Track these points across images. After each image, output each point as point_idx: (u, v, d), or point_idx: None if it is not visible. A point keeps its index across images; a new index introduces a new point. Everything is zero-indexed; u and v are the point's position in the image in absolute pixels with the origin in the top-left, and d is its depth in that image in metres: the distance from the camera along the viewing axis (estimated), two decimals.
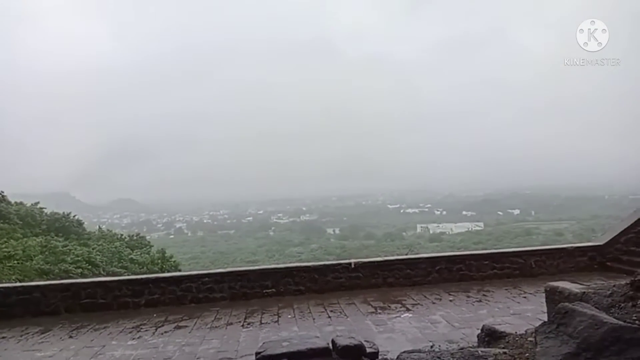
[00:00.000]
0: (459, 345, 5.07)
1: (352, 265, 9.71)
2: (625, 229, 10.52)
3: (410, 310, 8.00)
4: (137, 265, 23.38)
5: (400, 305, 8.29)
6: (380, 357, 4.39)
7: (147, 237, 34.15)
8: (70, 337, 7.47)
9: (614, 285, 3.72)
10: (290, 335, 6.53)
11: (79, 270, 19.35)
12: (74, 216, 28.95)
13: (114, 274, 18.65)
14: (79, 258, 20.57)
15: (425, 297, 8.80)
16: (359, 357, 4.05)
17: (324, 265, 9.92)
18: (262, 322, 7.78)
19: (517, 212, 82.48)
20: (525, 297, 8.49)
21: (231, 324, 7.75)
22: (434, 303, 8.38)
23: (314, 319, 7.80)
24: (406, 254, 11.90)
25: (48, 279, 15.86)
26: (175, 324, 7.85)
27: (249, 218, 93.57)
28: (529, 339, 3.56)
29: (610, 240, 10.50)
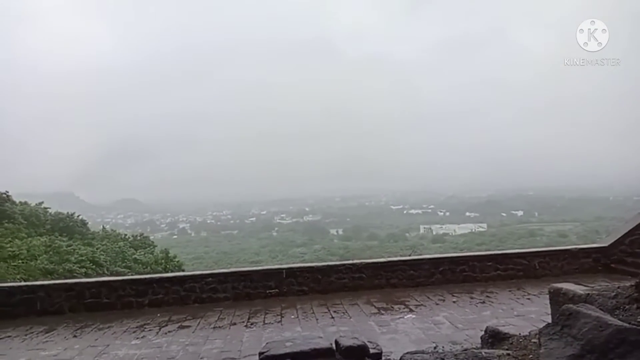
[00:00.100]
0: (462, 347, 5.06)
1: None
2: (629, 231, 10.47)
3: (413, 311, 7.99)
4: (140, 265, 23.45)
5: (403, 306, 8.29)
6: (383, 358, 4.39)
7: (151, 237, 34.25)
8: (75, 336, 7.50)
9: (618, 287, 3.71)
10: (293, 336, 6.53)
11: (83, 270, 19.43)
12: (78, 216, 29.07)
13: (117, 274, 18.72)
14: (83, 258, 20.66)
15: (428, 298, 8.78)
16: (362, 358, 4.04)
17: (327, 265, 9.92)
18: (266, 322, 7.79)
19: (520, 213, 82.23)
20: (529, 299, 8.46)
21: (234, 324, 7.76)
22: (437, 304, 8.37)
23: (317, 319, 7.80)
24: (409, 255, 11.87)
25: (52, 279, 15.94)
26: (179, 324, 7.87)
27: (252, 218, 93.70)
28: (533, 340, 3.55)
29: (615, 241, 10.45)
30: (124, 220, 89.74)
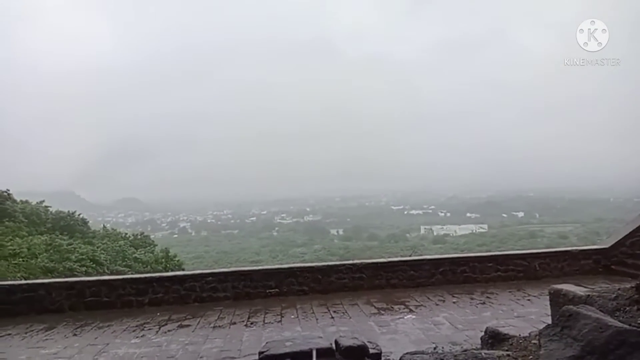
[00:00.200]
0: (462, 347, 5.06)
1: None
2: (630, 232, 10.46)
3: (413, 311, 7.99)
4: (141, 264, 23.44)
5: (403, 307, 8.28)
6: (383, 358, 4.39)
7: (151, 236, 34.25)
8: (75, 334, 7.51)
9: (619, 289, 3.71)
10: (293, 335, 6.54)
11: (84, 269, 19.42)
12: (79, 215, 29.07)
13: (118, 273, 18.73)
14: (84, 256, 20.66)
15: (428, 298, 8.78)
16: (362, 358, 4.05)
17: (328, 265, 9.92)
18: (265, 321, 7.79)
19: (521, 214, 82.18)
20: (529, 300, 8.46)
21: (234, 323, 7.77)
22: (437, 305, 8.37)
23: (317, 319, 7.80)
24: (410, 256, 11.89)
25: (53, 277, 15.95)
26: (179, 323, 7.87)
27: (252, 218, 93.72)
28: (533, 341, 3.55)
29: (615, 243, 10.44)
30: (125, 219, 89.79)
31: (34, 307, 8.80)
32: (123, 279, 9.65)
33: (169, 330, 7.50)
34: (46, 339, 7.31)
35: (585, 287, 4.59)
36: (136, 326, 7.80)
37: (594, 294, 3.89)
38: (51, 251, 20.07)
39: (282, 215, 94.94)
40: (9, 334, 7.62)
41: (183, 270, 21.12)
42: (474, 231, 70.40)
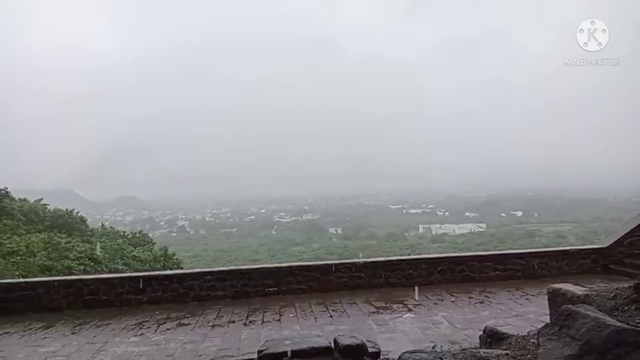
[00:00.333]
0: (461, 346, 5.07)
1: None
2: (628, 232, 10.49)
3: (412, 310, 8.00)
4: (139, 262, 23.46)
5: (402, 306, 8.30)
6: (382, 357, 4.39)
7: (150, 235, 34.28)
8: (73, 333, 7.50)
9: (617, 288, 3.71)
10: (292, 334, 6.55)
11: (82, 267, 19.42)
12: (77, 213, 29.07)
13: (116, 271, 18.73)
14: (82, 255, 20.65)
15: (427, 297, 8.79)
16: (360, 357, 4.04)
17: (326, 264, 9.92)
18: (264, 320, 7.79)
19: (519, 214, 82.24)
20: (527, 299, 8.48)
21: (233, 322, 7.77)
22: (436, 304, 8.38)
23: (315, 318, 7.81)
24: (408, 255, 11.89)
25: (51, 275, 15.93)
26: (178, 322, 7.87)
27: (251, 217, 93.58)
28: (532, 340, 3.56)
29: (614, 243, 10.47)
30: (123, 217, 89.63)
31: (32, 306, 8.79)
32: (122, 277, 9.64)
33: (167, 329, 7.50)
34: (45, 337, 7.31)
35: (583, 286, 4.60)
36: (135, 325, 7.80)
37: (593, 293, 3.90)
38: (49, 249, 20.06)
39: (281, 214, 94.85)
40: (7, 333, 7.61)
41: (181, 268, 21.13)
42: (473, 230, 70.47)
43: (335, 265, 9.84)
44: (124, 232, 31.14)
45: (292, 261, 17.23)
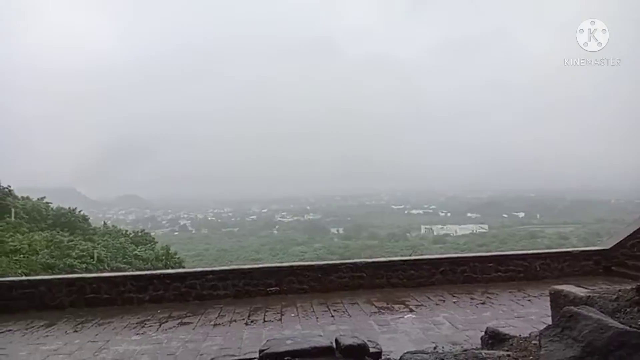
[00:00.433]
0: (462, 347, 5.07)
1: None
2: (631, 234, 10.47)
3: (413, 311, 8.00)
4: (141, 261, 23.53)
5: (403, 306, 8.29)
6: (383, 358, 4.38)
7: (152, 234, 34.39)
8: (75, 331, 7.53)
9: (619, 290, 3.71)
10: (293, 334, 6.55)
11: (84, 265, 19.48)
12: (80, 211, 29.17)
13: (118, 270, 18.78)
14: (84, 253, 20.71)
15: (428, 298, 8.79)
16: (362, 357, 4.04)
17: (328, 264, 9.93)
18: (266, 320, 7.80)
19: (521, 214, 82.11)
20: (529, 300, 8.46)
21: (234, 321, 7.78)
22: (437, 304, 8.37)
23: (317, 318, 7.81)
24: (410, 255, 11.89)
25: (53, 273, 15.99)
26: (179, 320, 7.89)
27: (252, 216, 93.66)
28: (533, 342, 3.55)
29: (616, 244, 10.45)
30: (125, 216, 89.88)
31: (34, 304, 8.82)
32: (124, 276, 9.67)
33: (169, 328, 7.51)
34: (47, 336, 7.33)
35: (585, 288, 4.59)
36: (137, 323, 7.82)
37: (595, 295, 3.89)
38: (52, 247, 20.14)
39: (283, 213, 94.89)
40: (10, 330, 7.64)
41: (183, 267, 21.17)
42: (474, 231, 70.39)
43: (337, 265, 9.84)
44: (126, 230, 31.22)
45: (294, 261, 17.25)
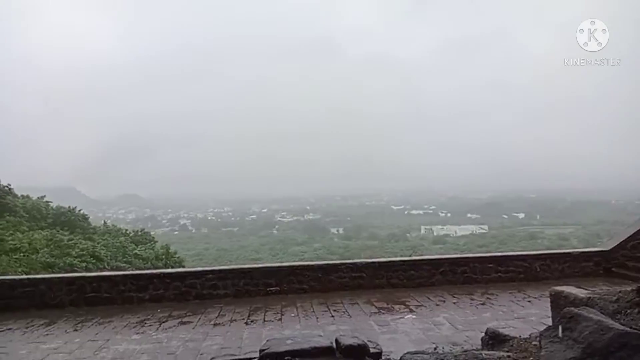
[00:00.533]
0: (462, 348, 5.07)
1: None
2: (631, 235, 10.46)
3: (413, 311, 8.00)
4: (141, 260, 23.51)
5: (403, 307, 8.30)
6: (383, 358, 4.39)
7: (152, 233, 34.33)
8: (75, 330, 7.53)
9: (619, 291, 3.71)
10: (293, 334, 6.55)
11: (84, 264, 19.47)
12: (80, 210, 29.12)
13: (118, 269, 18.78)
14: (84, 252, 20.70)
15: (428, 298, 8.79)
16: (362, 357, 4.05)
17: (328, 264, 9.94)
18: (266, 319, 7.80)
19: (521, 215, 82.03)
20: (529, 301, 8.47)
21: (235, 320, 7.79)
22: (437, 305, 8.38)
23: (317, 318, 7.82)
24: (410, 256, 11.89)
25: (53, 272, 15.99)
26: (179, 320, 7.89)
27: (252, 216, 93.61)
28: (534, 342, 3.56)
29: (617, 246, 10.45)
30: (125, 215, 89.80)
31: (34, 302, 8.82)
32: (124, 275, 9.68)
33: (169, 327, 7.52)
34: (47, 334, 7.34)
35: (586, 289, 4.59)
36: (137, 322, 7.82)
37: (595, 296, 3.89)
38: (52, 246, 20.13)
39: (283, 213, 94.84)
40: (10, 329, 7.64)
41: (183, 267, 21.17)
42: (474, 232, 70.30)
43: (337, 265, 9.84)
44: (126, 230, 31.16)
45: (294, 261, 17.27)
